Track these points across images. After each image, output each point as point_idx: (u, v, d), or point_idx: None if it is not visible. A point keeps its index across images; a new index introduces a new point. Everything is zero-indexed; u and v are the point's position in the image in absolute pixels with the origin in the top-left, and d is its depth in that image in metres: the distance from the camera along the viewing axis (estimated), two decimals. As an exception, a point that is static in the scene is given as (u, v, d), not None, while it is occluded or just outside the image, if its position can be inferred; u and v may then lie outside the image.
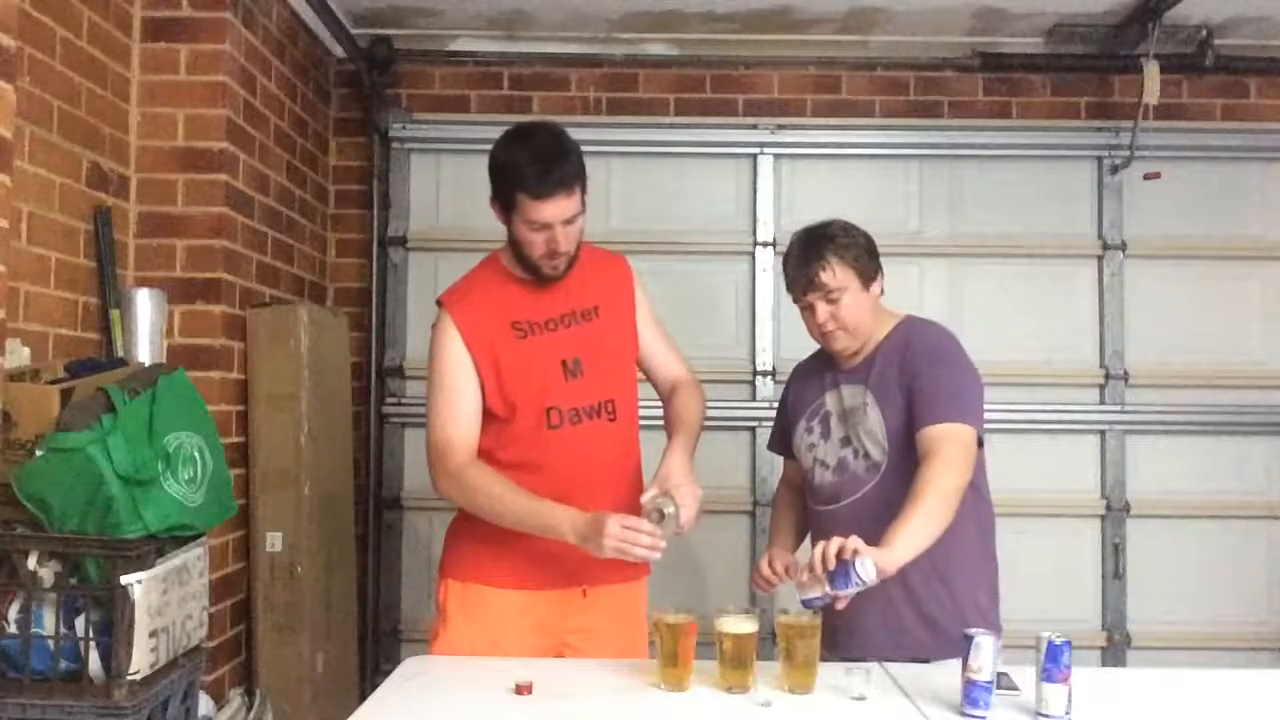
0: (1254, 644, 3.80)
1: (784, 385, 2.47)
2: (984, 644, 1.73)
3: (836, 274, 2.16)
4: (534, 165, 2.06)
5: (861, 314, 2.19)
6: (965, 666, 1.74)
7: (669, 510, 1.99)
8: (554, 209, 2.07)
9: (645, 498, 2.03)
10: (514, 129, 2.17)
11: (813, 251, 2.18)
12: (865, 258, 2.20)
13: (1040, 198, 3.93)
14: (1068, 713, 1.70)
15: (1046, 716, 1.71)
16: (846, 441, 2.22)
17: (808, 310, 2.22)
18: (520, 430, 2.16)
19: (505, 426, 2.17)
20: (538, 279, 2.18)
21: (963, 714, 1.74)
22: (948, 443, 2.03)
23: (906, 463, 2.09)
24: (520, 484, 2.11)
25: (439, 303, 2.24)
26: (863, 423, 2.18)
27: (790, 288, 2.24)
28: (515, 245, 2.16)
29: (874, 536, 1.93)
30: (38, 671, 2.01)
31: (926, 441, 2.05)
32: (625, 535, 1.94)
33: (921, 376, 2.12)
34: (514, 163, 2.08)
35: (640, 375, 2.35)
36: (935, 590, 2.12)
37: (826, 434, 2.26)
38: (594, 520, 1.97)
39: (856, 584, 1.85)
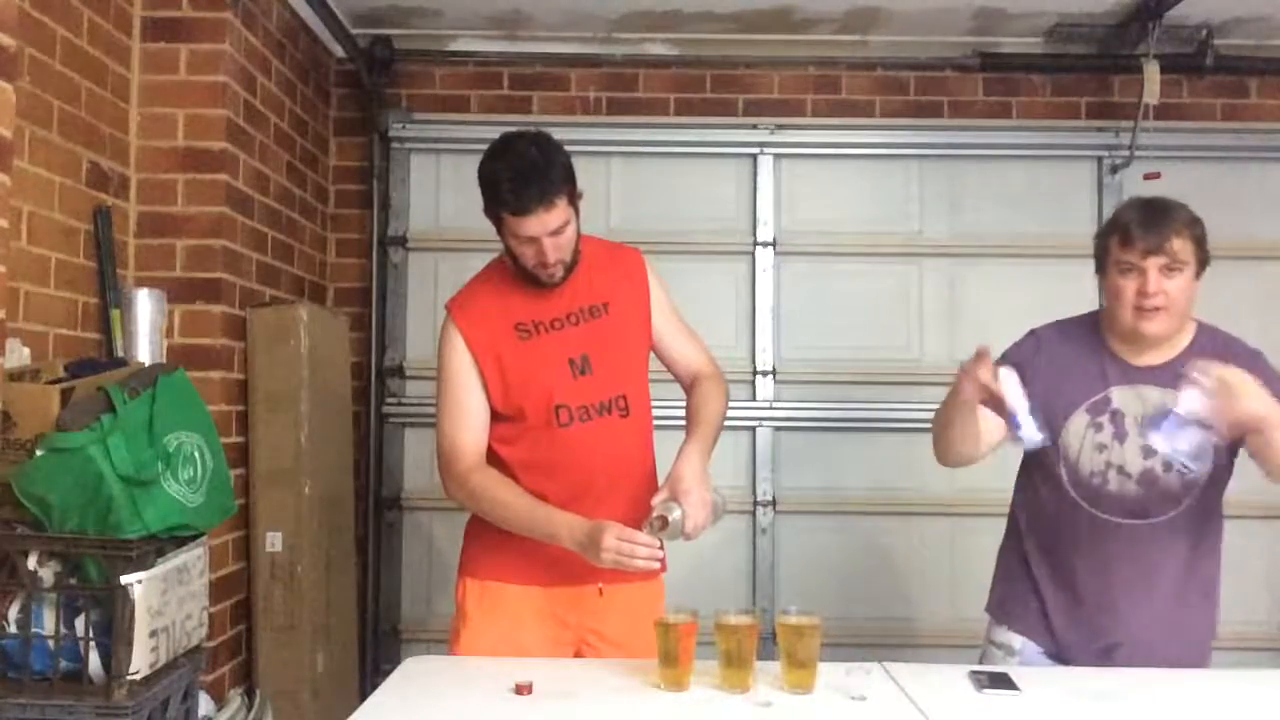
0: (1254, 644, 3.80)
1: (1028, 348, 2.17)
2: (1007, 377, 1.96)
3: (1185, 247, 2.01)
4: (511, 182, 2.04)
5: (1187, 301, 2.04)
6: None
7: (674, 516, 1.98)
8: (535, 224, 2.05)
9: (655, 500, 2.03)
10: (498, 140, 2.13)
11: (1166, 216, 2.02)
12: (1204, 247, 2.05)
13: (1040, 198, 3.93)
14: None
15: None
16: (1151, 452, 2.05)
17: (1129, 274, 2.03)
18: (530, 430, 2.16)
19: (516, 427, 2.17)
20: (538, 285, 2.18)
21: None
22: None
23: (1216, 475, 2.09)
24: (534, 483, 2.12)
25: (445, 308, 2.25)
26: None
27: (1127, 244, 2.02)
28: (510, 255, 2.17)
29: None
30: (38, 671, 2.01)
31: None
32: (621, 548, 1.94)
33: None
34: (494, 178, 2.07)
35: (663, 369, 2.33)
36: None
37: (1121, 436, 2.08)
38: (592, 530, 1.98)
39: None
